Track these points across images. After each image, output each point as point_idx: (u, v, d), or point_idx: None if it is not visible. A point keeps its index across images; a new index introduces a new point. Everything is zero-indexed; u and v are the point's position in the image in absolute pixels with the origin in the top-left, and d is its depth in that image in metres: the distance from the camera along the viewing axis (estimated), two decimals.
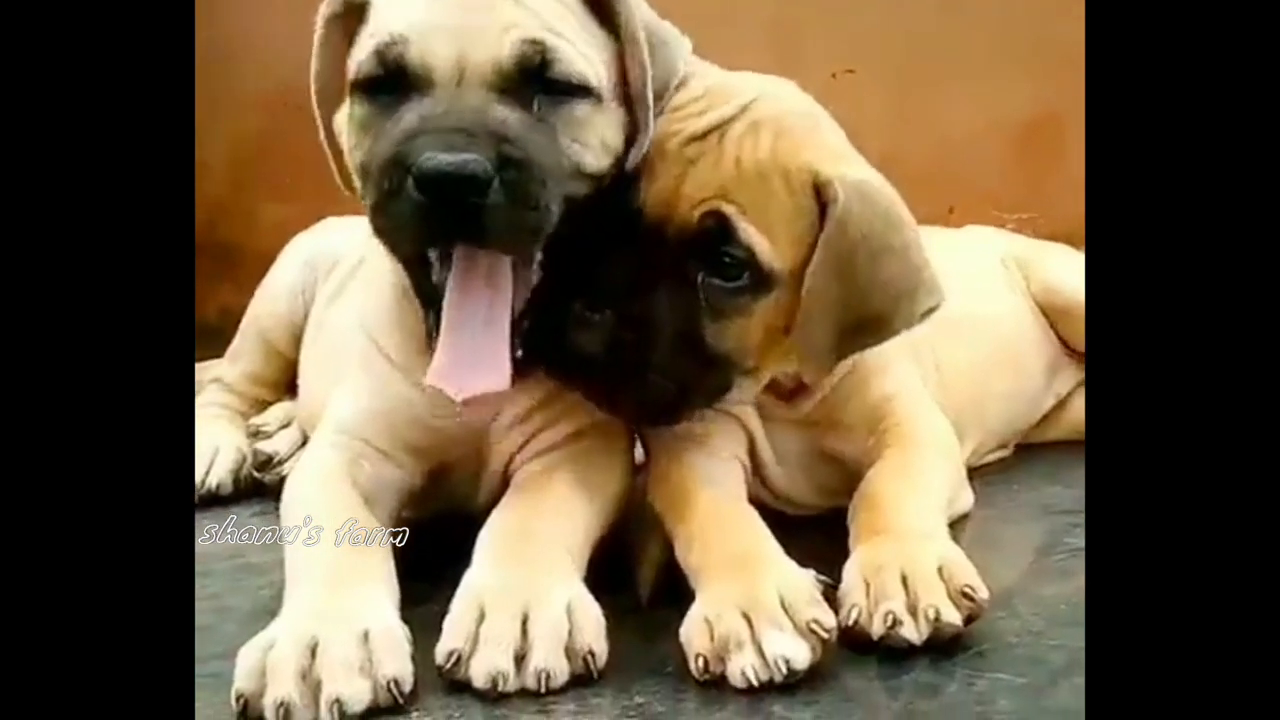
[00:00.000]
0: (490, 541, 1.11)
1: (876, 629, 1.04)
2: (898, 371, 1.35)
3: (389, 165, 1.04)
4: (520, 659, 0.99)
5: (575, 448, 1.26)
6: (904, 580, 1.05)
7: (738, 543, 1.11)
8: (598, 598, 1.07)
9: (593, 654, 1.01)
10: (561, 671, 0.99)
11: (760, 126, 1.16)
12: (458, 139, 1.01)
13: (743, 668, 0.98)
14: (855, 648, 1.05)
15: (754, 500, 1.28)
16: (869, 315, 1.17)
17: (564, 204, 1.10)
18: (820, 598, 1.03)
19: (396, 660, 0.98)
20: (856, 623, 1.05)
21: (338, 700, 0.94)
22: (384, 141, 1.06)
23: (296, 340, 1.74)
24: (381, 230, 1.08)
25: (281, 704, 0.93)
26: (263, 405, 1.75)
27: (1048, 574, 1.27)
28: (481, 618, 1.00)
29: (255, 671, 0.96)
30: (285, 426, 1.66)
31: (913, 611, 1.03)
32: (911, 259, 1.19)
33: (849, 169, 1.17)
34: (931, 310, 1.21)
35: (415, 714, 0.97)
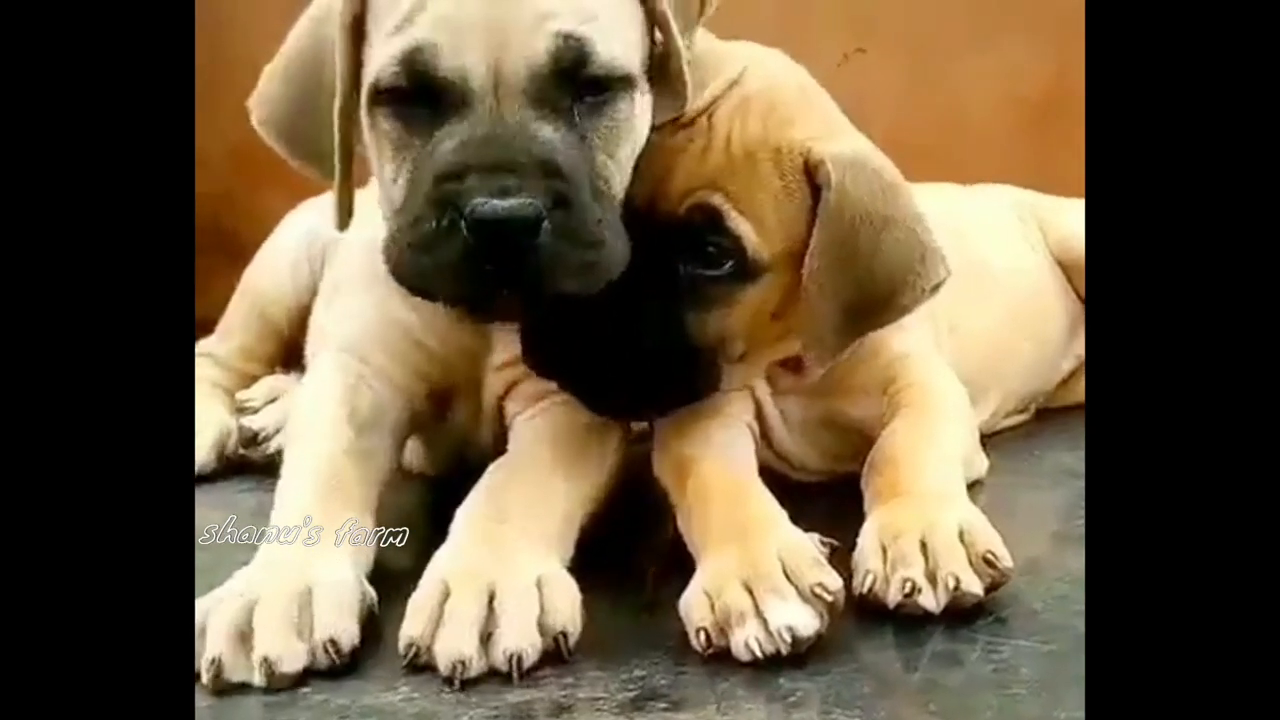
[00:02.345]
0: (463, 523, 1.05)
1: (893, 596, 0.98)
2: (910, 333, 1.29)
3: (437, 205, 0.97)
4: (488, 639, 0.92)
5: (563, 418, 1.20)
6: (923, 546, 0.99)
7: (737, 512, 1.05)
8: (595, 571, 1.02)
9: (565, 634, 0.94)
10: (534, 651, 0.93)
11: (749, 103, 1.11)
12: (509, 181, 0.95)
13: (746, 640, 0.92)
14: (870, 616, 0.99)
15: (763, 466, 1.23)
16: (877, 295, 1.13)
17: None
18: (824, 561, 0.97)
19: (337, 620, 0.93)
20: (872, 590, 0.99)
21: (266, 659, 0.90)
22: (424, 173, 1.00)
23: (296, 314, 1.66)
24: (423, 273, 1.01)
25: (213, 661, 0.90)
26: (254, 381, 1.67)
27: (1071, 540, 1.20)
28: (446, 597, 0.94)
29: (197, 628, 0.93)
30: (272, 401, 1.58)
31: (932, 579, 0.98)
32: (914, 230, 1.14)
33: (841, 144, 1.12)
34: (939, 285, 1.15)
35: (403, 688, 0.92)
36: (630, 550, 1.20)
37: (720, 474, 1.12)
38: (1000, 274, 1.56)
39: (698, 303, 1.11)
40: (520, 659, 0.91)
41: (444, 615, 0.93)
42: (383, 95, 1.04)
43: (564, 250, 0.98)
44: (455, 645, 0.91)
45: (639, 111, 1.09)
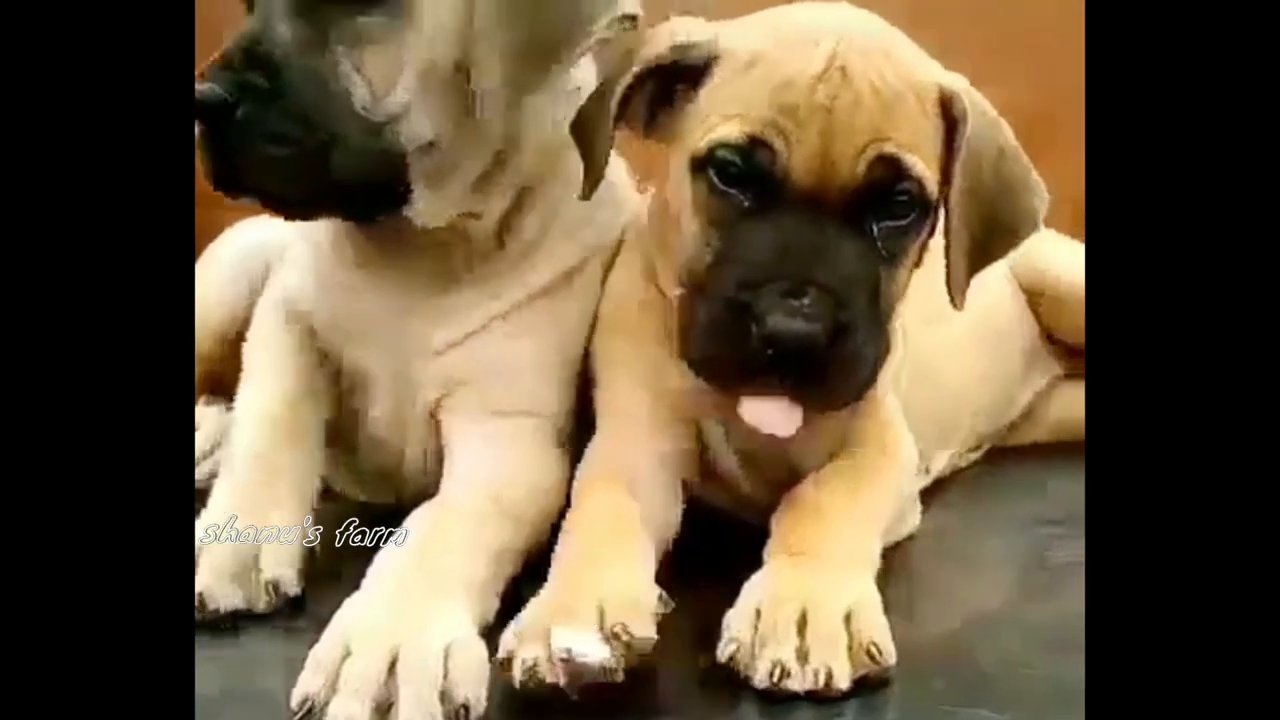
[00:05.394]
0: (379, 570, 0.97)
1: (760, 679, 0.89)
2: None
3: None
4: (389, 709, 0.83)
5: (507, 448, 1.14)
6: (802, 621, 0.91)
7: (585, 550, 0.99)
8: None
9: (466, 708, 0.85)
10: None
11: (870, 51, 1.05)
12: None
13: (523, 658, 0.86)
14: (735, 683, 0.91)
15: (716, 506, 1.19)
16: (1000, 227, 1.12)
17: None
18: (649, 603, 0.90)
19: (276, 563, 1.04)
20: (732, 659, 0.91)
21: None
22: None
23: (224, 337, 1.43)
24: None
25: None
26: None
27: (1033, 593, 1.14)
28: (346, 656, 0.85)
29: None
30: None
31: (803, 660, 0.90)
32: (1020, 160, 1.13)
33: (953, 78, 1.10)
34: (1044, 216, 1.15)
35: None
36: None
37: (600, 511, 1.05)
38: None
39: (890, 260, 1.05)
40: None
41: (340, 678, 0.84)
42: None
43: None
44: (348, 713, 0.83)
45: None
